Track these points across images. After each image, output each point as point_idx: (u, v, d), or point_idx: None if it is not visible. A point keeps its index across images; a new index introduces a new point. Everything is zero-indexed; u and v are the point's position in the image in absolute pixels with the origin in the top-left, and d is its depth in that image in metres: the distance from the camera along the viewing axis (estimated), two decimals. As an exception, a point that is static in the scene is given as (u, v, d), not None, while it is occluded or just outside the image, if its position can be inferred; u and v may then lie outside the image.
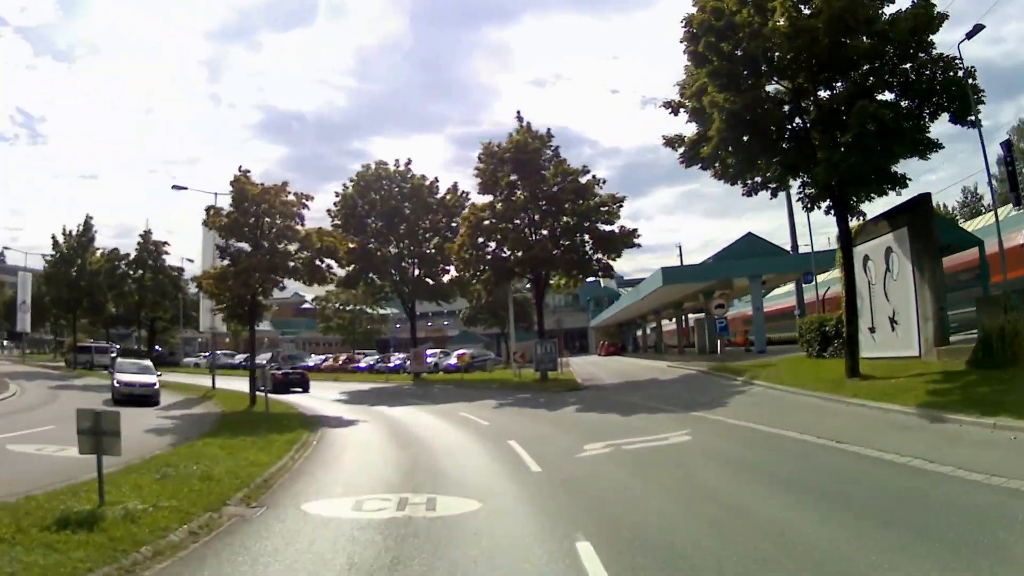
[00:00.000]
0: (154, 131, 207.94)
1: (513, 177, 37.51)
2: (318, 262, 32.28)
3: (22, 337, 73.60)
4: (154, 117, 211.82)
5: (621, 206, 38.08)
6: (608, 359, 69.18)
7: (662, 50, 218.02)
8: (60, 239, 59.62)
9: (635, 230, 37.85)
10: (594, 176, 37.98)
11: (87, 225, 61.09)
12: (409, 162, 48.82)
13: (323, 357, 64.28)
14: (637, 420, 19.94)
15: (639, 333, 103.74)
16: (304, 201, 32.54)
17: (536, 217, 38.14)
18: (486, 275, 39.39)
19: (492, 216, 37.89)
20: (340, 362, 62.35)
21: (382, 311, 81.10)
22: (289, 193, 32.38)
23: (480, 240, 38.19)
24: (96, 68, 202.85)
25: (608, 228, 37.70)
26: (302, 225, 32.10)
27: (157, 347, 78.13)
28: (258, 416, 25.53)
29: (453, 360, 56.60)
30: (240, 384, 35.71)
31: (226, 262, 31.63)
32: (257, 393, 29.81)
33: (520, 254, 37.80)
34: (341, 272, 43.41)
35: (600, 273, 38.42)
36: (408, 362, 49.95)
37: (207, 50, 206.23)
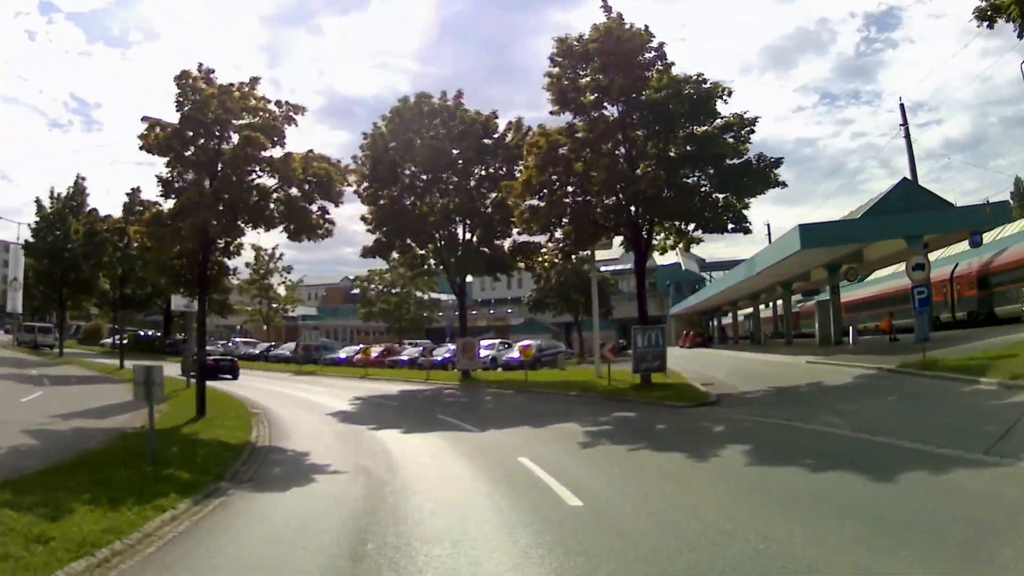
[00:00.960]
0: None
1: (600, 78, 25.23)
2: (308, 203, 20.97)
3: (15, 318, 64.60)
4: None
5: (752, 130, 25.68)
6: (699, 352, 56.78)
7: (728, 32, 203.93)
8: (47, 202, 49.76)
9: (780, 159, 25.54)
10: (718, 84, 25.55)
11: (78, 186, 50.76)
12: (460, 95, 37.13)
13: (356, 348, 53.51)
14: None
15: (723, 322, 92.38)
16: (291, 113, 21.16)
17: (635, 142, 25.99)
18: (564, 230, 27.31)
19: (571, 141, 25.76)
20: (375, 355, 51.10)
21: (434, 294, 69.90)
22: (264, 98, 21.11)
23: (554, 177, 26.04)
24: (152, 54, 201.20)
25: (737, 161, 25.41)
26: (281, 146, 20.78)
27: (179, 334, 68.76)
28: (179, 442, 15.05)
29: (515, 353, 44.91)
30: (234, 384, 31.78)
31: (170, 203, 20.58)
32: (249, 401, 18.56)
33: (614, 198, 25.80)
34: (352, 231, 32.03)
35: (731, 225, 25.88)
36: (456, 356, 38.48)
37: (265, 35, 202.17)
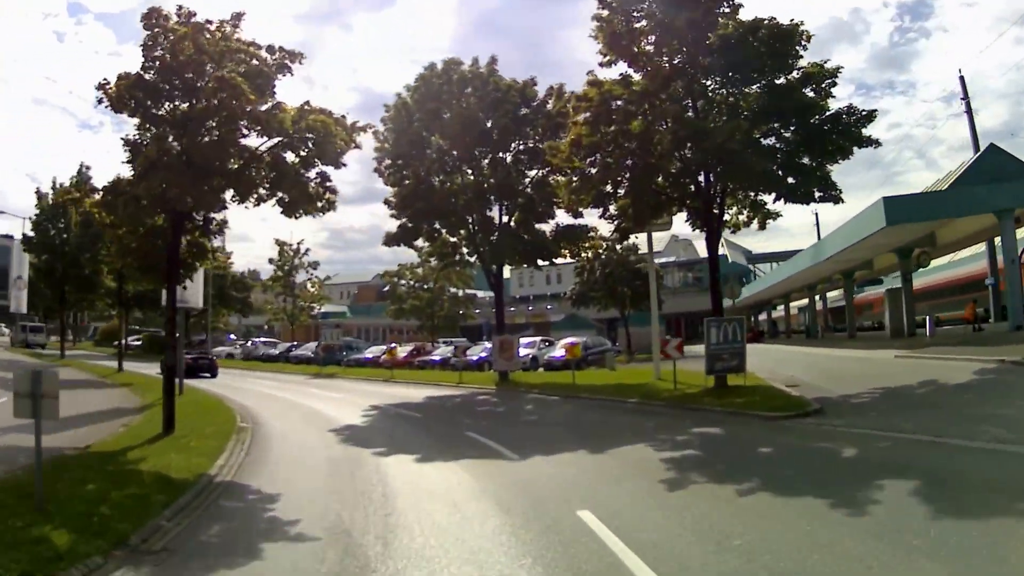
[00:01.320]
0: None
1: (659, 15, 20.64)
2: (304, 167, 16.72)
3: (17, 319, 61.72)
4: None
5: (835, 82, 20.92)
6: (753, 348, 50.71)
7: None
8: (49, 192, 46.29)
9: (873, 111, 20.79)
10: (798, 26, 20.89)
11: (82, 175, 47.05)
12: (494, 61, 32.70)
13: (384, 347, 49.40)
14: None
15: (771, 315, 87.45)
16: (286, 60, 16.96)
17: (704, 93, 21.36)
18: (620, 204, 22.75)
19: (628, 92, 21.17)
20: (403, 355, 46.95)
21: (469, 290, 65.62)
22: (253, 43, 16.91)
23: (608, 137, 21.43)
24: None
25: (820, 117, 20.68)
26: (271, 97, 16.56)
27: (200, 335, 65.61)
28: (106, 475, 10.96)
29: (559, 352, 40.50)
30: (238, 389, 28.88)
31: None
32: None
33: (679, 164, 21.23)
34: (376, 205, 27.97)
35: (819, 193, 21.07)
36: (493, 355, 34.19)
37: (298, 33, 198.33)
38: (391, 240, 32.96)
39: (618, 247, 55.65)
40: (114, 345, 68.54)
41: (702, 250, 55.03)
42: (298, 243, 66.74)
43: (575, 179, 22.08)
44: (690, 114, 20.69)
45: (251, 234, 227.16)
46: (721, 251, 79.86)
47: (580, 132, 21.18)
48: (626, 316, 58.75)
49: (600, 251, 49.58)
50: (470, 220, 32.69)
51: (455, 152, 32.03)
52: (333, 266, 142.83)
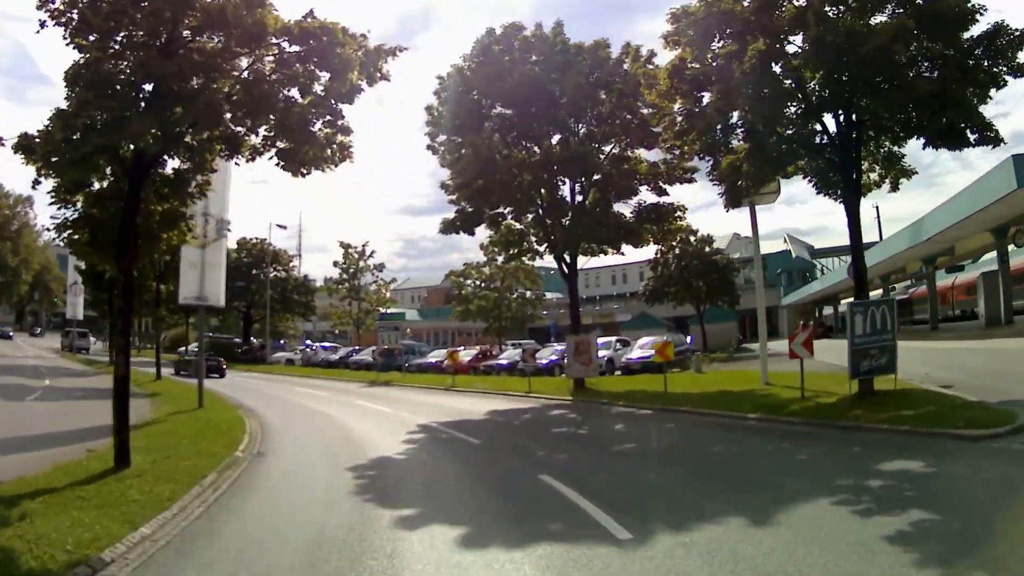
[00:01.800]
0: None
1: None
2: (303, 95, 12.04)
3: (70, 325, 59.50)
4: None
5: None
6: (829, 344, 44.51)
7: None
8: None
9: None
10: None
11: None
12: (560, 25, 27.53)
13: (454, 350, 45.07)
14: None
15: (837, 311, 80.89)
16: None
17: None
18: (729, 160, 17.30)
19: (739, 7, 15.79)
20: (468, 359, 42.35)
21: (534, 286, 60.68)
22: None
23: (719, 61, 16.03)
24: None
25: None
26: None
27: (253, 338, 62.82)
28: None
29: (638, 352, 35.32)
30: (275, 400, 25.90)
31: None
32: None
33: (812, 86, 15.85)
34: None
35: (974, 136, 15.43)
36: (566, 359, 29.25)
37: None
38: (449, 227, 28.34)
39: (692, 238, 50.67)
40: (178, 352, 66.25)
41: (765, 246, 49.23)
42: (363, 245, 63.69)
43: (680, 118, 16.83)
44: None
45: (329, 245, 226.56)
46: (783, 246, 72.95)
47: (685, 54, 15.98)
48: (702, 312, 53.53)
49: (677, 242, 44.40)
50: (538, 202, 27.81)
51: (519, 123, 27.16)
52: (410, 274, 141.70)
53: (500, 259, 55.90)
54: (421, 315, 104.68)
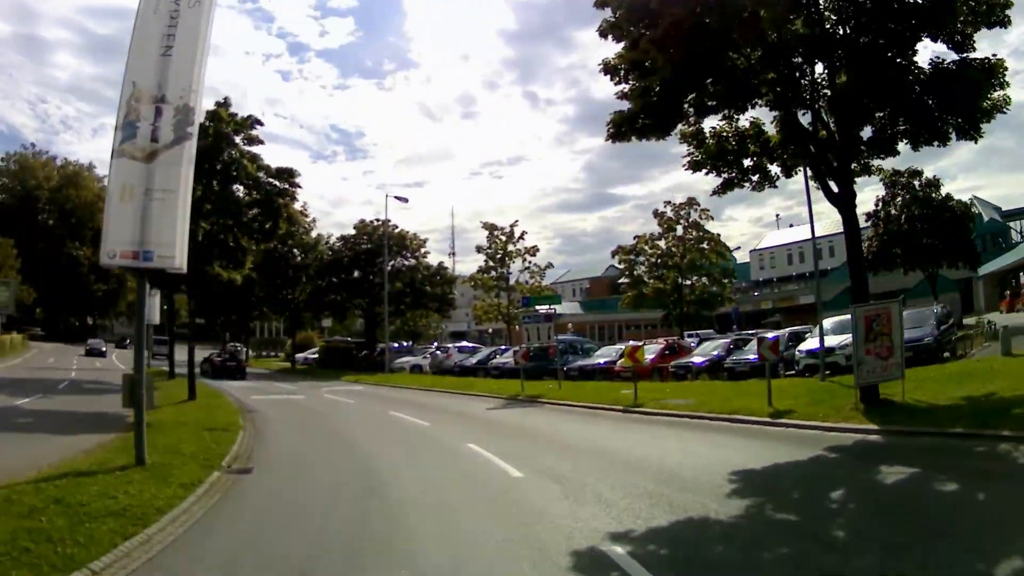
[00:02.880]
0: (473, 135, 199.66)
1: None
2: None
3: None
4: (472, 121, 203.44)
5: None
6: None
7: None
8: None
9: None
10: None
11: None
12: None
13: (620, 346, 32.83)
14: None
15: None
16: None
17: None
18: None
19: None
20: (650, 356, 29.73)
21: (722, 261, 47.38)
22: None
23: None
24: (408, 80, 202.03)
25: None
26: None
27: (396, 343, 53.32)
28: None
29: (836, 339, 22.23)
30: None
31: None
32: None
33: None
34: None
35: None
36: (849, 348, 16.60)
37: (513, 52, 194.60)
38: (621, 127, 16.08)
39: (916, 183, 36.28)
40: (304, 359, 58.76)
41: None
42: (511, 225, 52.36)
43: None
44: None
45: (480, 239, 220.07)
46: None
47: None
48: (933, 274, 38.60)
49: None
50: (781, 66, 15.24)
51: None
52: (567, 268, 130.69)
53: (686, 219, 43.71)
54: (583, 308, 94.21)
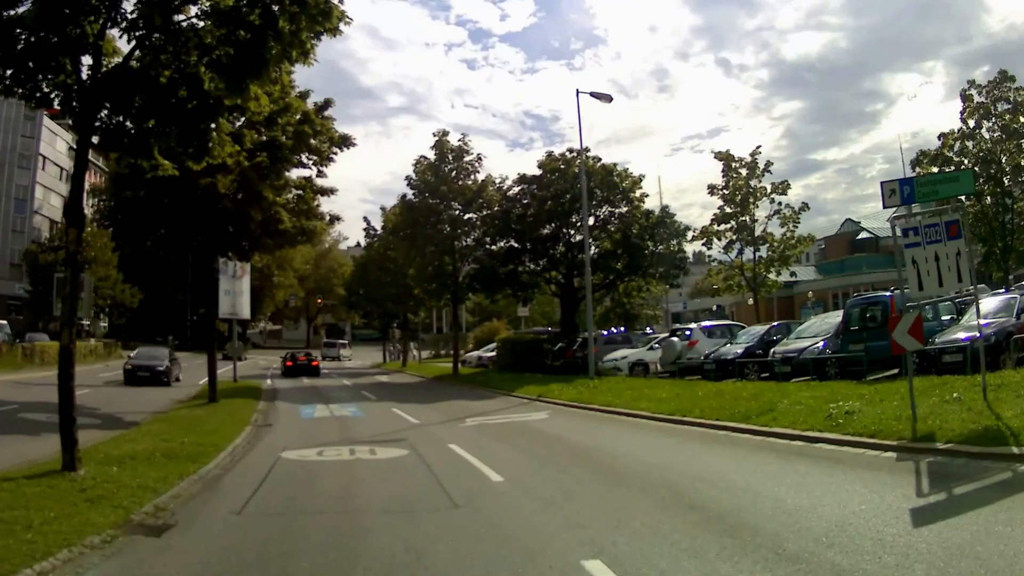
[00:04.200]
0: (670, 109, 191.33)
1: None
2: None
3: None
4: (668, 95, 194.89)
5: None
6: None
7: None
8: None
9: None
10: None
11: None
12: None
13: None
14: None
15: None
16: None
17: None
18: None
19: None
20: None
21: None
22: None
23: None
24: (597, 57, 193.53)
25: None
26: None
27: (604, 331, 38.10)
28: None
29: None
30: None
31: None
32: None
33: None
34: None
35: None
36: None
37: (699, 19, 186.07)
38: None
39: None
40: (479, 360, 45.01)
41: None
42: (752, 153, 36.90)
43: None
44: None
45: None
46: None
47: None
48: None
49: None
50: None
51: None
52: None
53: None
54: (819, 272, 77.95)
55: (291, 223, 25.91)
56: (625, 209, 36.21)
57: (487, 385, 30.33)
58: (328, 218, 29.96)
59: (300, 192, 27.01)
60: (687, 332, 27.36)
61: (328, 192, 27.81)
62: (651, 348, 29.16)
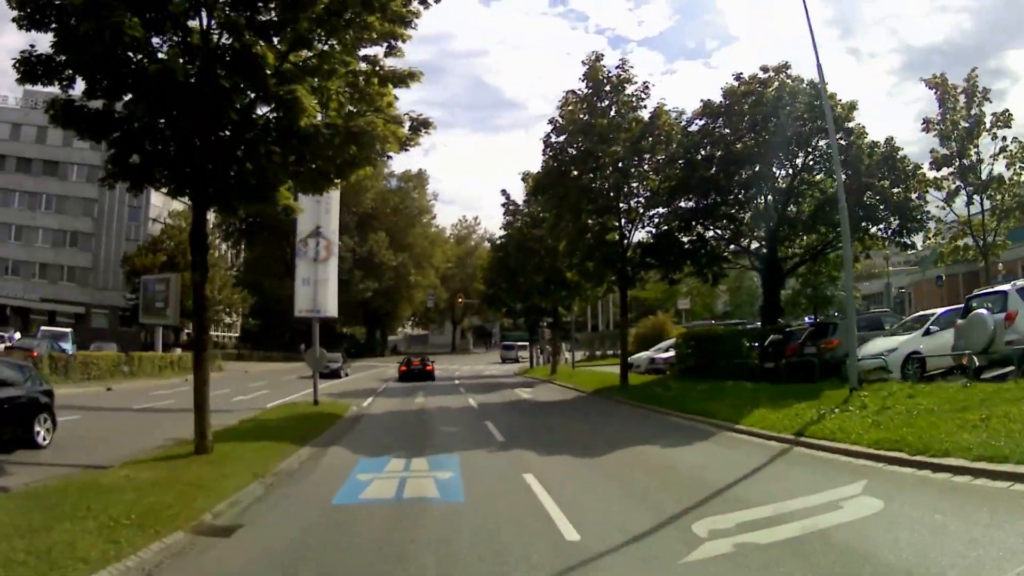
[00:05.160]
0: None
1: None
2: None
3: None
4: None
5: None
6: None
7: None
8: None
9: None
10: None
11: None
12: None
13: None
14: None
15: None
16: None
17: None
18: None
19: None
20: None
21: None
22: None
23: None
24: (732, 54, 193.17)
25: None
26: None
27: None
28: None
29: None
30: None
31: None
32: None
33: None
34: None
35: None
36: None
37: (830, 11, 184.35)
38: None
39: None
40: (651, 363, 36.44)
41: None
42: (968, 80, 30.68)
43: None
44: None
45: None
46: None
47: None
48: None
49: None
50: None
51: None
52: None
53: None
54: (1010, 238, 66.41)
55: (335, 113, 13.51)
56: (843, 142, 24.17)
57: (681, 407, 19.22)
58: (409, 122, 14.58)
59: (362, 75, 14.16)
60: (993, 301, 16.13)
61: (408, 78, 14.28)
62: (927, 333, 18.14)
